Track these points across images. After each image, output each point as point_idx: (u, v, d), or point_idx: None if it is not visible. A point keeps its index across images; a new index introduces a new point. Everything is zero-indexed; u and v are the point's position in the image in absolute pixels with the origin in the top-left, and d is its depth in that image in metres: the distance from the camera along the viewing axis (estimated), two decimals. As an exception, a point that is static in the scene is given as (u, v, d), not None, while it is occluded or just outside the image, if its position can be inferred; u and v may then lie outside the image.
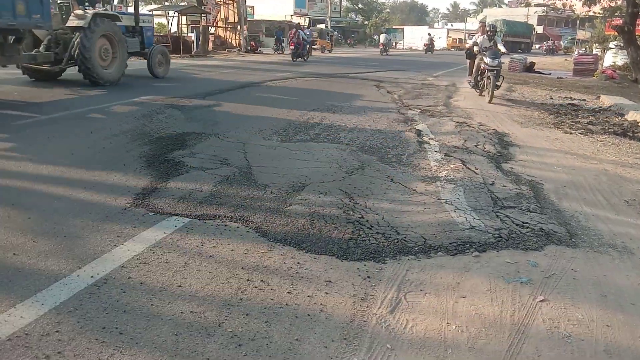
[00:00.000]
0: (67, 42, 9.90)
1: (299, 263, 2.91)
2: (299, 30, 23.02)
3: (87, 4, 10.65)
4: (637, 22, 19.39)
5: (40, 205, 3.64)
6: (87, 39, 9.64)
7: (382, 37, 37.42)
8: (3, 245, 2.96)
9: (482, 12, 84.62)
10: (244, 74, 14.96)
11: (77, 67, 9.86)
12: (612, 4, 21.56)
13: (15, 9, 8.06)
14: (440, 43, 56.79)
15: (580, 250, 3.27)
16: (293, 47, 22.19)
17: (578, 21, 46.94)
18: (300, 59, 22.35)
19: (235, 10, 30.41)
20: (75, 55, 9.67)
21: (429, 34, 46.88)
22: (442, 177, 4.75)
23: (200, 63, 19.27)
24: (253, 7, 46.31)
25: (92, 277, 2.63)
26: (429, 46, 41.20)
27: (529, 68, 21.51)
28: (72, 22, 9.75)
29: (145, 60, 12.14)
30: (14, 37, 8.76)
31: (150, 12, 16.54)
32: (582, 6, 22.20)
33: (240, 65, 19.22)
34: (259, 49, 31.38)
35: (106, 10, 11.30)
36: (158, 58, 12.39)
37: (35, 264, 2.75)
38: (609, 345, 2.24)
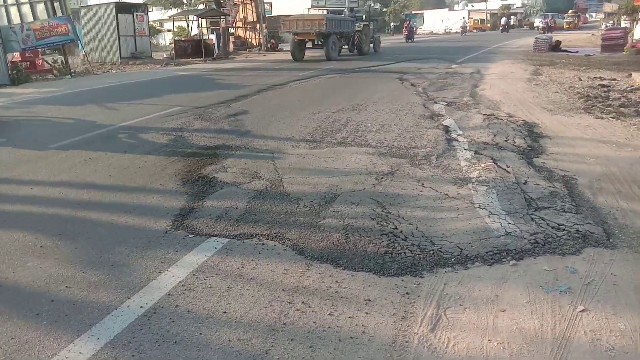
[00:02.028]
0: (349, 37, 22.26)
1: (337, 282, 2.97)
2: (410, 23, 39.03)
3: (358, 22, 23.03)
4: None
5: (85, 233, 3.80)
6: (360, 35, 22.61)
7: (502, 20, 49.49)
8: (56, 278, 3.12)
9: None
10: (267, 75, 15.08)
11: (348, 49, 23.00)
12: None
13: (349, 25, 21.74)
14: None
15: (618, 252, 3.24)
16: (407, 33, 35.98)
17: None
18: (410, 40, 35.13)
19: (254, 10, 30.54)
20: (356, 42, 22.55)
21: (505, 15, 53.46)
22: (473, 178, 4.74)
23: (222, 66, 19.48)
24: (271, 3, 46.44)
25: (141, 307, 2.76)
26: (505, 26, 48.07)
27: (555, 47, 21.02)
28: (356, 28, 22.43)
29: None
30: (344, 37, 21.90)
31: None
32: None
33: (262, 66, 19.36)
34: (279, 46, 31.46)
35: (366, 22, 24.08)
36: (376, 44, 24.90)
37: (87, 297, 2.89)
38: (654, 357, 2.24)
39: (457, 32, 53.01)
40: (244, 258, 3.30)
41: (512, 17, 53.52)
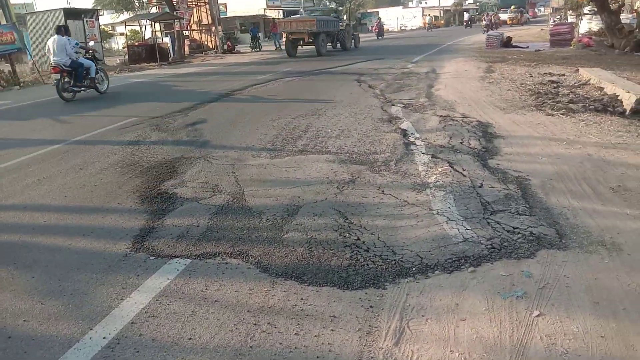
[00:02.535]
0: (334, 35, 25.28)
1: (302, 299, 3.00)
2: (380, 22, 43.06)
3: (341, 22, 27.35)
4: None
5: (42, 260, 3.69)
6: (343, 34, 25.93)
7: (465, 15, 54.84)
8: (12, 311, 3.02)
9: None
10: (224, 80, 14.95)
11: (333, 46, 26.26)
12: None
13: (334, 25, 25.28)
14: (416, 22, 56.91)
15: (570, 253, 3.38)
16: (377, 30, 40.03)
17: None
18: (380, 37, 38.56)
19: (208, 12, 30.16)
20: (340, 40, 25.51)
21: (466, 11, 58.15)
22: (431, 183, 4.84)
23: (178, 72, 19.18)
24: (225, 4, 46.02)
25: (104, 338, 2.71)
26: (468, 22, 51.42)
27: (507, 43, 21.65)
28: (340, 27, 25.87)
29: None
30: (329, 36, 24.72)
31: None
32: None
33: (219, 70, 19.18)
34: (236, 48, 31.19)
35: (347, 22, 31.97)
36: (356, 41, 28.20)
37: (46, 330, 2.81)
38: (605, 359, 2.36)
39: (412, 29, 54.32)
40: (208, 279, 3.29)
41: (465, 13, 55.20)
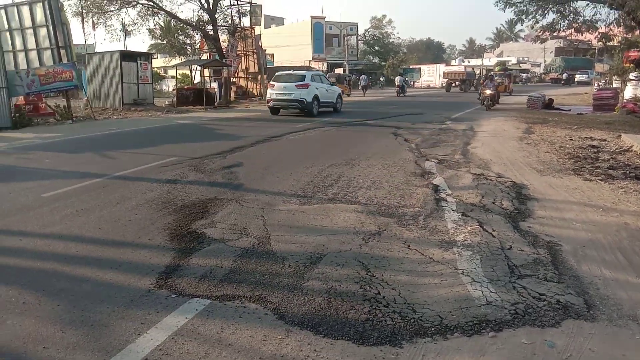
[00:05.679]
0: (472, 82, 45.43)
1: (315, 350, 2.96)
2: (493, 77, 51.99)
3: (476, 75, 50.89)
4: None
5: (69, 289, 3.81)
6: (477, 82, 41.60)
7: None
8: (34, 337, 3.11)
9: (498, 47, 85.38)
10: (265, 126, 15.35)
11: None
12: (628, 36, 21.62)
13: (473, 76, 47.84)
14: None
15: (598, 325, 3.25)
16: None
17: (596, 53, 45.56)
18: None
19: (256, 61, 31.34)
20: (475, 85, 42.32)
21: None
22: (459, 242, 4.78)
23: (222, 115, 19.84)
24: (273, 54, 47.76)
25: (117, 372, 2.74)
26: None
27: (548, 105, 21.54)
28: (475, 77, 49.22)
29: None
30: (470, 82, 46.80)
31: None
32: (597, 41, 22.30)
33: (261, 116, 19.71)
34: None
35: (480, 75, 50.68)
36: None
37: (64, 359, 2.87)
38: None
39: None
40: (224, 322, 3.30)
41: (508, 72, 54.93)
